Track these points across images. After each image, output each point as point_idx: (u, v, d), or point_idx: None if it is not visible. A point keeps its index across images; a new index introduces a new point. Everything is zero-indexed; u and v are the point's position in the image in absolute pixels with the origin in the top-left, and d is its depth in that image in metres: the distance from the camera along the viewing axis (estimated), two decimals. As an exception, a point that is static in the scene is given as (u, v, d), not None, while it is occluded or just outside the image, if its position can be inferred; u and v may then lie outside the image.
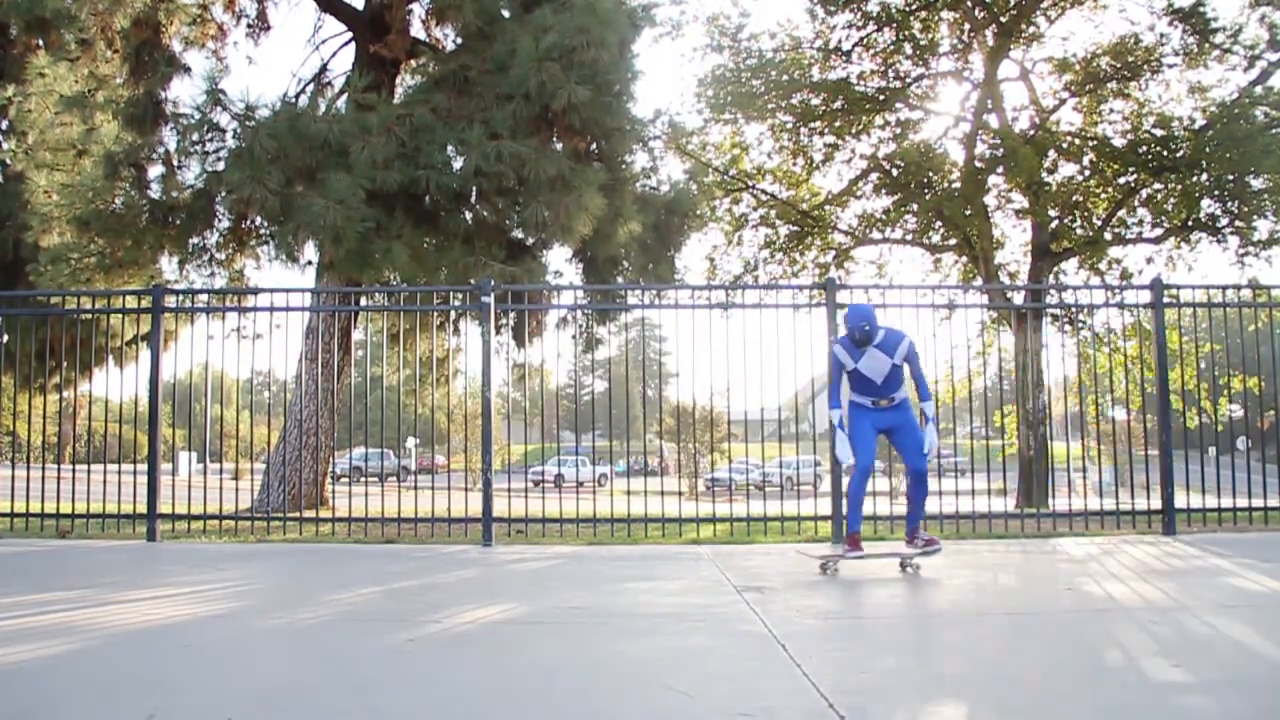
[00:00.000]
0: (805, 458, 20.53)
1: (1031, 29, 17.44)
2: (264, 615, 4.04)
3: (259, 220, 9.99)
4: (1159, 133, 16.49)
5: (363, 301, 10.47)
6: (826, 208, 19.21)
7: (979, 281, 17.39)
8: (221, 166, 9.55)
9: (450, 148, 9.39)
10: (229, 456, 26.47)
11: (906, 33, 17.37)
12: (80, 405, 21.50)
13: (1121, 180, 17.29)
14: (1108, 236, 17.42)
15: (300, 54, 25.90)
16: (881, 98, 17.74)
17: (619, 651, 3.29)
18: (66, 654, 3.24)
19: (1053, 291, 14.52)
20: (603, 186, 9.34)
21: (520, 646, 3.35)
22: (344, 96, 10.69)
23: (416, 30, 11.57)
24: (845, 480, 5.83)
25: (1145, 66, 16.49)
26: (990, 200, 17.84)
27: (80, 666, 3.06)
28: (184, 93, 29.08)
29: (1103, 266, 17.75)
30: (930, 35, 17.69)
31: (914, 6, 17.29)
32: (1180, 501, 7.18)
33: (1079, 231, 17.71)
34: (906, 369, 5.34)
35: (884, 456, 20.38)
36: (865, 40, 17.69)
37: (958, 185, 17.27)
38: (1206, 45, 16.09)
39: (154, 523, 7.04)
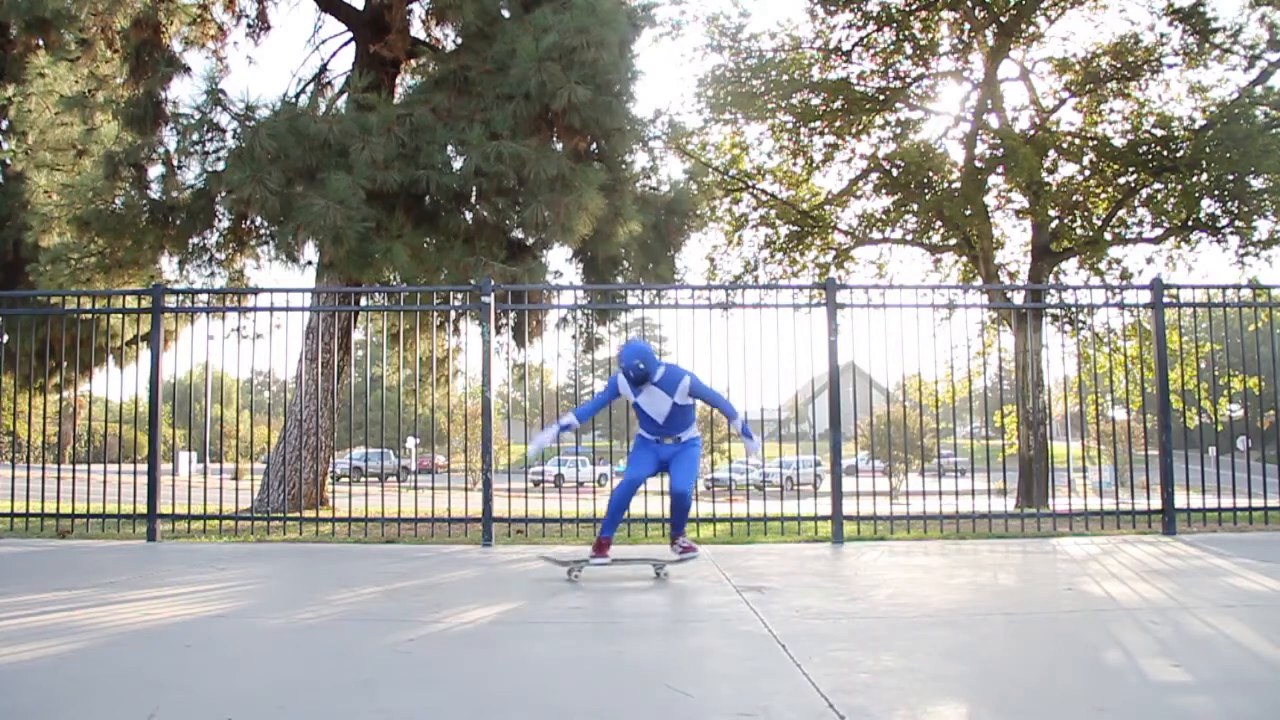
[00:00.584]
0: (805, 458, 20.55)
1: (1031, 29, 17.43)
2: (264, 615, 4.04)
3: (259, 220, 9.98)
4: (1159, 133, 16.49)
5: (363, 301, 10.47)
6: (826, 208, 19.20)
7: (979, 281, 17.38)
8: (221, 166, 9.55)
9: (450, 148, 9.39)
10: (229, 456, 26.48)
11: (906, 33, 17.36)
12: (80, 405, 21.51)
13: (1121, 180, 17.28)
14: (1108, 236, 17.41)
15: (300, 54, 25.87)
16: (881, 98, 17.74)
17: (619, 651, 3.29)
18: (67, 654, 3.24)
19: (1053, 291, 14.51)
20: (603, 186, 9.34)
21: (520, 646, 3.35)
22: (344, 96, 10.68)
23: (416, 30, 11.57)
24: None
25: (1145, 66, 16.49)
26: (990, 200, 17.83)
27: (80, 666, 3.06)
28: (184, 93, 29.12)
29: (1103, 266, 17.74)
30: (930, 35, 17.69)
31: (914, 6, 17.28)
32: (1180, 501, 7.18)
33: (1079, 231, 17.70)
34: (698, 405, 5.21)
35: (884, 456, 20.39)
36: (865, 40, 17.68)
37: (958, 185, 17.27)
38: (1206, 45, 16.09)
39: (154, 523, 7.05)
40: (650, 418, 5.17)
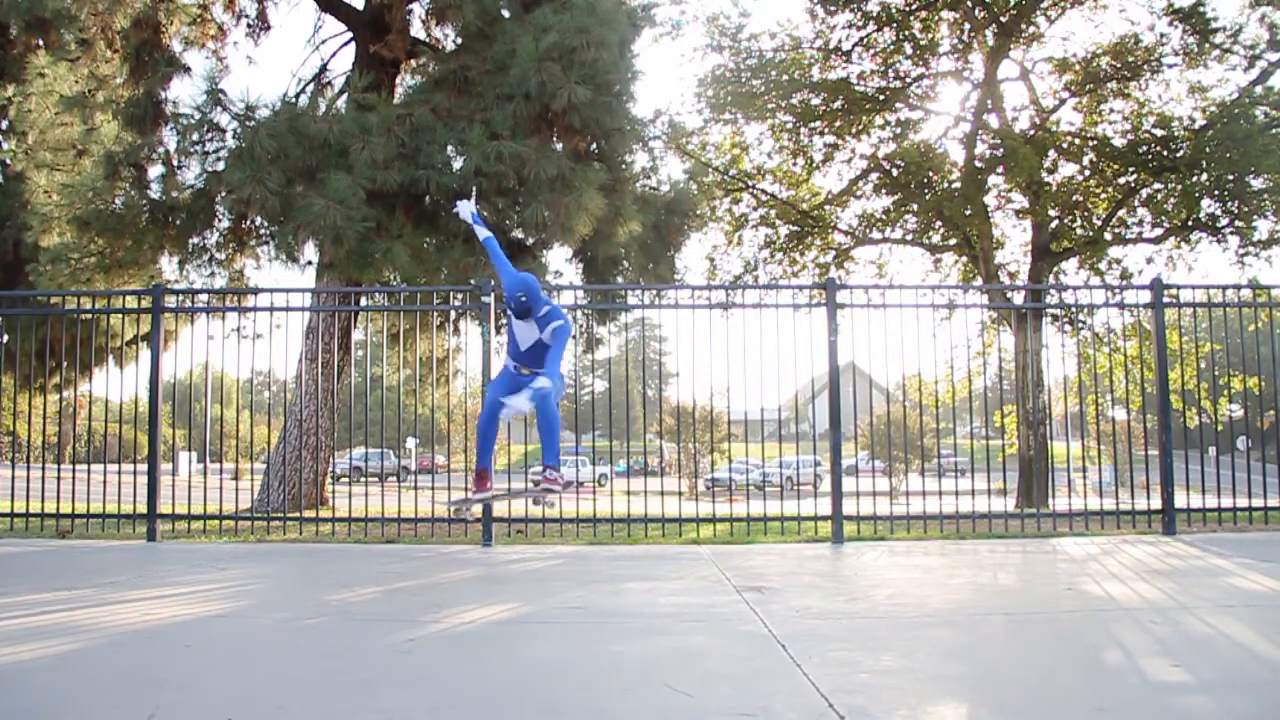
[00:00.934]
0: (805, 458, 20.56)
1: (1031, 29, 17.43)
2: (264, 615, 4.04)
3: (259, 220, 9.98)
4: (1159, 133, 16.49)
5: (363, 301, 10.47)
6: (826, 208, 19.20)
7: (979, 281, 17.38)
8: (221, 166, 9.55)
9: (450, 148, 9.39)
10: (229, 456, 26.47)
11: (906, 33, 17.36)
12: (80, 405, 21.51)
13: (1121, 180, 17.28)
14: (1108, 236, 17.41)
15: (300, 54, 25.83)
16: (881, 98, 17.74)
17: (619, 651, 3.29)
18: (67, 654, 3.24)
19: (1053, 291, 14.51)
20: (603, 186, 9.34)
21: (520, 646, 3.35)
22: (344, 96, 10.68)
23: (416, 30, 11.57)
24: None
25: (1145, 66, 16.49)
26: (990, 200, 17.84)
27: (81, 666, 3.06)
28: (184, 93, 29.06)
29: (1103, 266, 17.75)
30: (930, 35, 17.69)
31: (914, 6, 17.29)
32: (1180, 501, 7.18)
33: (1079, 231, 17.71)
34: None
35: (884, 456, 20.38)
36: (865, 40, 17.68)
37: (958, 185, 17.27)
38: (1206, 45, 16.09)
39: (154, 523, 7.04)
40: (515, 342, 5.15)
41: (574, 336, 11.66)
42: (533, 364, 5.11)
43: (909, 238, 19.21)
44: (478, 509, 5.09)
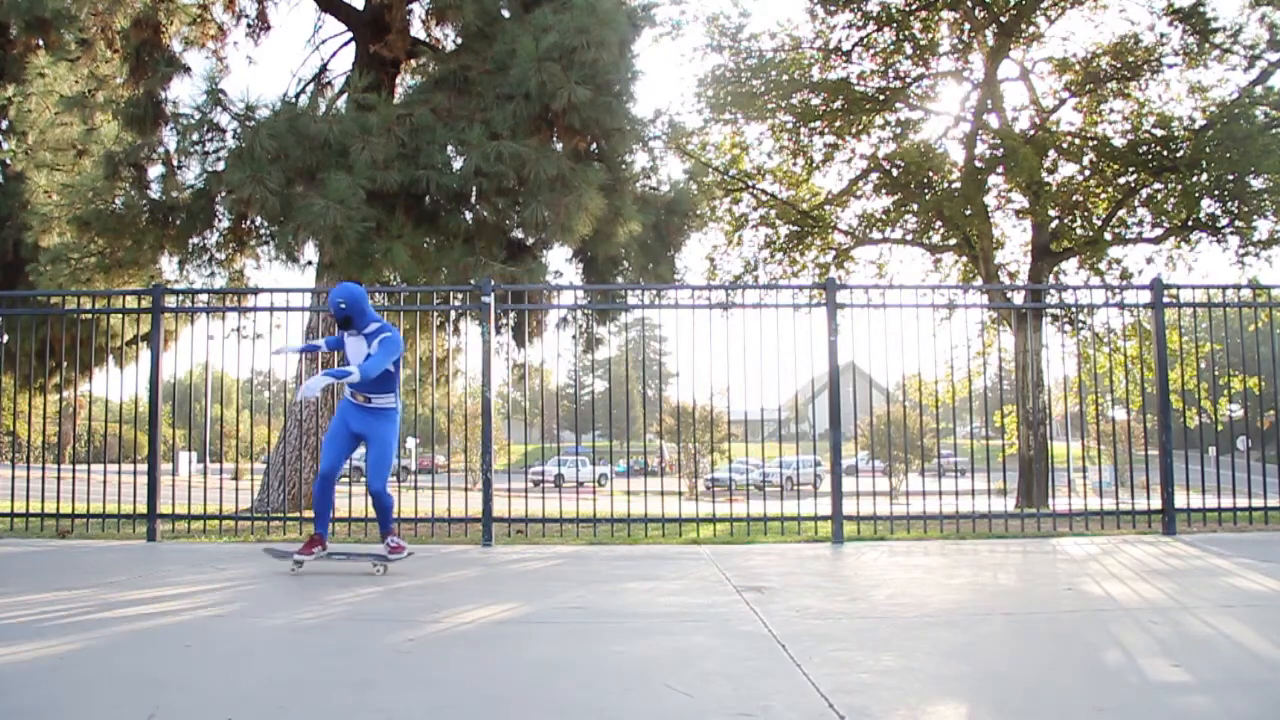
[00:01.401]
0: (805, 458, 20.56)
1: (1031, 29, 17.44)
2: (264, 615, 4.04)
3: (259, 220, 9.99)
4: (1159, 133, 16.49)
5: (363, 301, 10.45)
6: (826, 208, 19.21)
7: (979, 281, 17.38)
8: (221, 166, 9.55)
9: (450, 148, 9.39)
10: (229, 456, 26.47)
11: (906, 33, 17.36)
12: (80, 405, 21.51)
13: (1121, 180, 17.29)
14: (1108, 236, 17.42)
15: (300, 54, 25.89)
16: (881, 98, 17.74)
17: (619, 651, 3.29)
18: (67, 654, 3.24)
19: (1053, 291, 14.51)
20: (603, 186, 9.34)
21: (520, 646, 3.35)
22: (344, 96, 10.68)
23: (416, 30, 11.57)
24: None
25: (1145, 66, 16.49)
26: (990, 200, 17.84)
27: (80, 666, 3.06)
28: (184, 93, 29.05)
29: (1103, 266, 17.75)
30: (930, 35, 17.69)
31: (914, 6, 17.29)
32: (1180, 501, 7.18)
33: (1079, 231, 17.71)
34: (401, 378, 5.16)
35: (884, 456, 20.38)
36: (865, 40, 17.69)
37: (958, 185, 17.27)
38: (1206, 45, 16.09)
39: (154, 523, 7.04)
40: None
41: (575, 335, 11.70)
42: (372, 390, 5.07)
43: (909, 238, 19.22)
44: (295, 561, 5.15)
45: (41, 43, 14.07)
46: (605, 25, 8.97)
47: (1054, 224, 17.46)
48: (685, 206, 11.58)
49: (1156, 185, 16.77)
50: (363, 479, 5.55)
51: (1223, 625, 3.64)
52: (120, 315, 8.24)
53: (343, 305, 4.96)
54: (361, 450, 5.42)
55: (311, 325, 10.31)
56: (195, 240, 10.41)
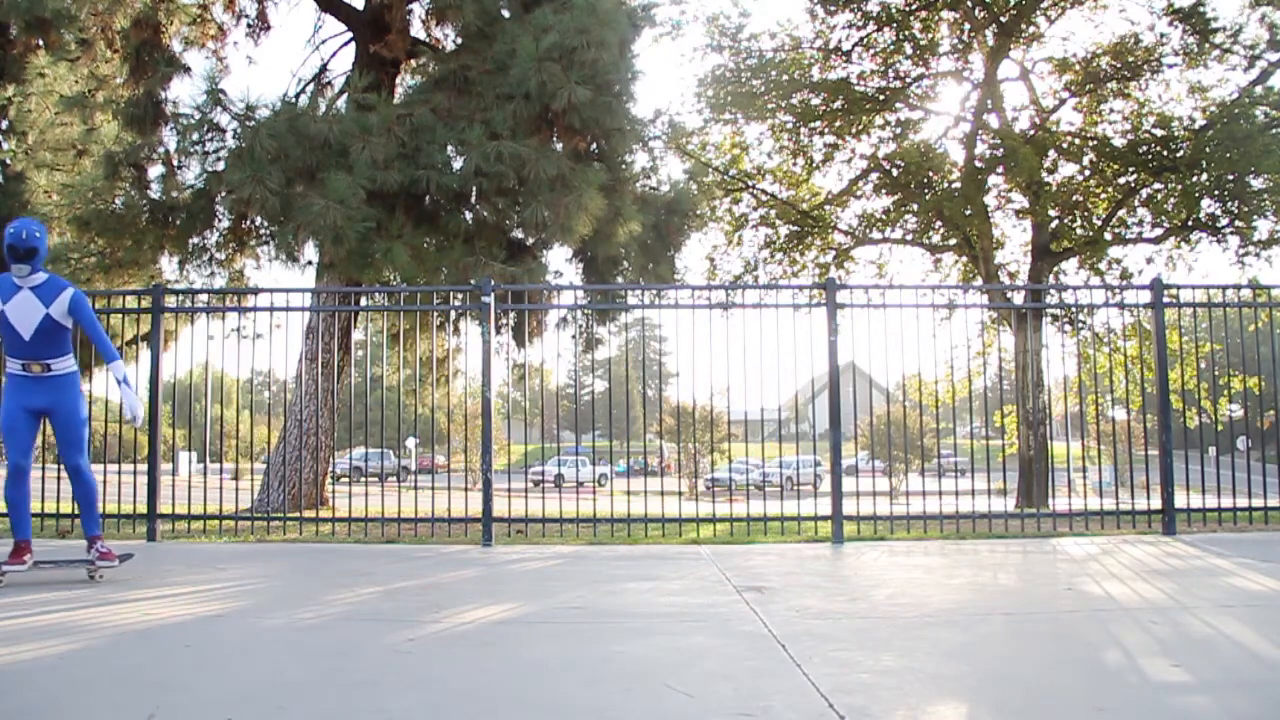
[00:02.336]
0: (805, 458, 20.55)
1: (1031, 29, 17.45)
2: (264, 615, 4.04)
3: (259, 220, 9.99)
4: (1159, 133, 16.50)
5: (363, 301, 10.47)
6: (826, 208, 19.22)
7: (979, 281, 17.39)
8: (221, 166, 9.55)
9: (450, 148, 9.39)
10: (229, 456, 26.46)
11: (906, 33, 17.37)
12: (80, 405, 21.45)
13: (1121, 180, 17.30)
14: (1108, 236, 17.43)
15: (300, 54, 25.83)
16: (881, 98, 17.75)
17: (619, 651, 3.29)
18: (67, 654, 3.24)
19: (1053, 291, 14.52)
20: (603, 186, 9.34)
21: (520, 646, 3.35)
22: (344, 96, 10.69)
23: (416, 30, 11.57)
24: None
25: (1145, 66, 16.50)
26: (990, 200, 17.85)
27: (81, 666, 3.06)
28: (184, 93, 29.02)
29: (1103, 266, 17.77)
30: (930, 35, 17.70)
31: (914, 6, 17.29)
32: (1180, 501, 7.17)
33: (1079, 231, 17.72)
34: (77, 331, 4.49)
35: (884, 456, 20.38)
36: (865, 40, 17.70)
37: (958, 185, 17.28)
38: (1206, 45, 16.10)
39: (154, 523, 7.04)
40: (16, 332, 4.40)
41: (575, 335, 11.70)
42: (44, 355, 4.46)
43: (909, 238, 19.23)
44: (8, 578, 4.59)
45: (41, 43, 14.05)
46: (605, 25, 8.97)
47: (1054, 224, 17.47)
48: (685, 206, 11.58)
49: (1156, 185, 16.78)
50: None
51: (1223, 625, 3.64)
52: (120, 315, 8.23)
53: (37, 234, 4.32)
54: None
55: (312, 325, 10.31)
56: (195, 240, 10.41)
